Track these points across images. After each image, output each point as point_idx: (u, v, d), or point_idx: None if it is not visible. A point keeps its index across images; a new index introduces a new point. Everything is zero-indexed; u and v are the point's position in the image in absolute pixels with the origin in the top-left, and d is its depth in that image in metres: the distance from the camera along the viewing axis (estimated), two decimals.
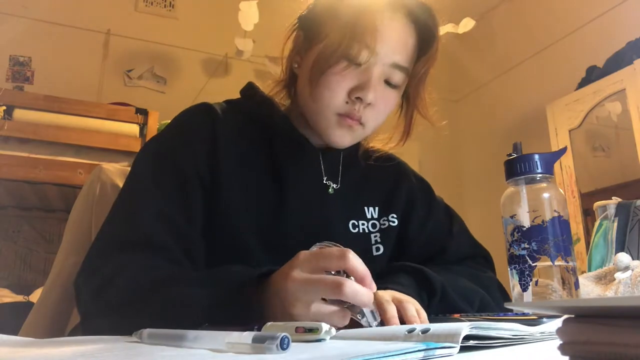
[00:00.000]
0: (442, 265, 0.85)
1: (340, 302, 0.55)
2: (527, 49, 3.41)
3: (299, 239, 0.76)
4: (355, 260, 0.55)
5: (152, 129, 2.47)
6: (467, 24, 2.95)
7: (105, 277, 0.66)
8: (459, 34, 2.92)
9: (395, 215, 0.90)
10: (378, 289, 0.68)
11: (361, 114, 0.78)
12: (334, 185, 0.86)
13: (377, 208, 0.89)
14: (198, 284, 0.62)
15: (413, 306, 0.63)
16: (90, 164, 2.20)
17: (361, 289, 0.54)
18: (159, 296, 0.62)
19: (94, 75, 3.09)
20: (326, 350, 0.39)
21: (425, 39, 0.82)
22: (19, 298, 2.28)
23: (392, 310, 0.60)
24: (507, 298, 0.84)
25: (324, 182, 0.86)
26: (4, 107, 2.23)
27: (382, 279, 0.74)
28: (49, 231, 2.73)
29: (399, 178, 0.94)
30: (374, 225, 0.88)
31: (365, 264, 0.82)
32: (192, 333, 0.44)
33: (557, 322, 0.48)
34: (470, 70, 3.72)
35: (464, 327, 0.38)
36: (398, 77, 0.80)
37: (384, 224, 0.89)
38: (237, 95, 0.91)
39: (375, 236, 0.87)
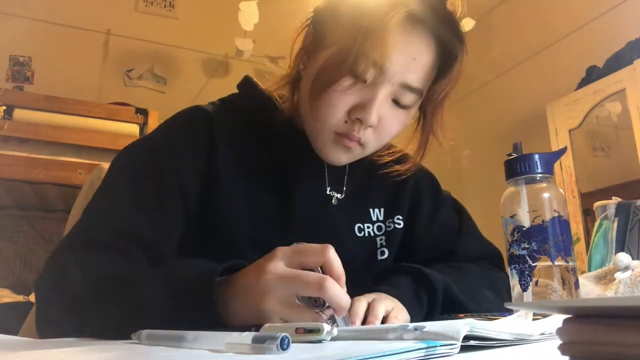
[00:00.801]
0: (454, 264, 0.83)
1: (312, 304, 0.52)
2: (527, 49, 3.41)
3: None
4: (335, 257, 0.53)
5: (152, 128, 2.46)
6: (467, 24, 2.94)
7: (55, 277, 0.63)
8: None
9: (400, 217, 0.86)
10: (370, 291, 0.67)
11: (361, 135, 0.72)
12: (338, 196, 0.82)
13: (382, 209, 0.86)
14: (155, 282, 0.58)
15: (384, 306, 0.62)
16: (90, 164, 2.19)
17: (342, 292, 0.51)
18: (114, 295, 0.58)
19: (94, 75, 3.09)
20: (326, 350, 0.39)
21: (447, 57, 0.75)
22: (19, 298, 2.28)
23: (356, 309, 0.59)
24: None
25: (328, 192, 0.82)
26: (4, 107, 2.23)
27: (379, 281, 0.73)
28: (49, 231, 2.73)
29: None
30: (379, 228, 0.85)
31: (369, 267, 0.80)
32: (191, 334, 0.44)
33: (557, 322, 0.48)
34: (470, 70, 3.71)
35: (463, 327, 0.38)
36: (408, 98, 0.73)
37: (390, 226, 0.85)
38: None
39: (380, 239, 0.84)
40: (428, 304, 0.72)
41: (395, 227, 0.85)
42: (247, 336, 0.39)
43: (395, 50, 0.69)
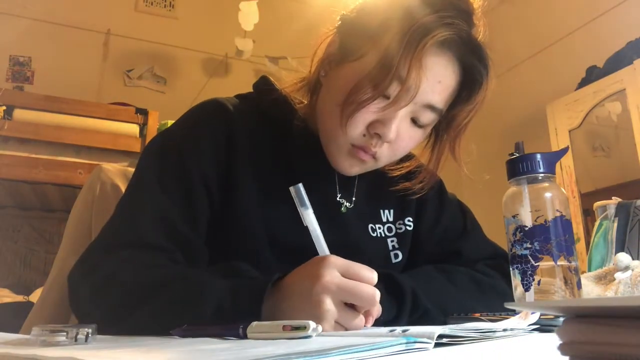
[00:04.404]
0: (446, 268, 0.81)
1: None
2: (527, 49, 3.41)
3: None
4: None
5: (152, 129, 2.47)
6: None
7: (106, 273, 0.64)
8: None
9: (410, 219, 0.85)
10: None
11: (376, 150, 0.73)
12: (347, 204, 0.82)
13: (392, 211, 0.85)
14: (215, 275, 0.61)
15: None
16: (90, 164, 2.20)
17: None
18: (169, 289, 0.60)
19: (94, 75, 3.09)
20: (314, 344, 0.40)
21: (469, 82, 0.75)
22: (19, 298, 2.28)
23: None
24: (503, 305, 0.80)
25: (338, 199, 0.82)
26: (4, 107, 2.23)
27: None
28: (49, 231, 2.73)
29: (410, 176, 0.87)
30: (389, 229, 0.84)
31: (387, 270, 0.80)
32: None
33: (523, 320, 0.52)
34: None
35: (439, 329, 0.42)
36: (428, 117, 0.74)
37: (400, 228, 0.85)
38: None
39: (392, 241, 0.84)
40: (397, 310, 0.70)
41: (406, 228, 0.85)
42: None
43: (426, 71, 0.70)
